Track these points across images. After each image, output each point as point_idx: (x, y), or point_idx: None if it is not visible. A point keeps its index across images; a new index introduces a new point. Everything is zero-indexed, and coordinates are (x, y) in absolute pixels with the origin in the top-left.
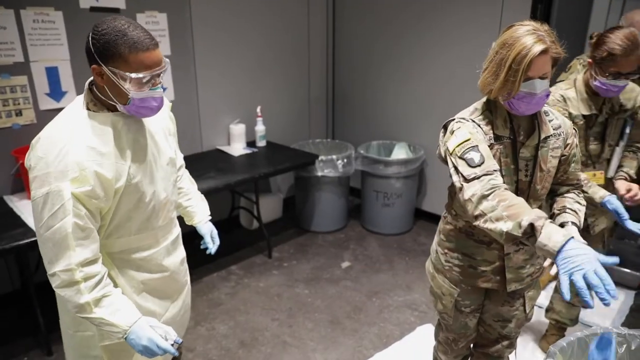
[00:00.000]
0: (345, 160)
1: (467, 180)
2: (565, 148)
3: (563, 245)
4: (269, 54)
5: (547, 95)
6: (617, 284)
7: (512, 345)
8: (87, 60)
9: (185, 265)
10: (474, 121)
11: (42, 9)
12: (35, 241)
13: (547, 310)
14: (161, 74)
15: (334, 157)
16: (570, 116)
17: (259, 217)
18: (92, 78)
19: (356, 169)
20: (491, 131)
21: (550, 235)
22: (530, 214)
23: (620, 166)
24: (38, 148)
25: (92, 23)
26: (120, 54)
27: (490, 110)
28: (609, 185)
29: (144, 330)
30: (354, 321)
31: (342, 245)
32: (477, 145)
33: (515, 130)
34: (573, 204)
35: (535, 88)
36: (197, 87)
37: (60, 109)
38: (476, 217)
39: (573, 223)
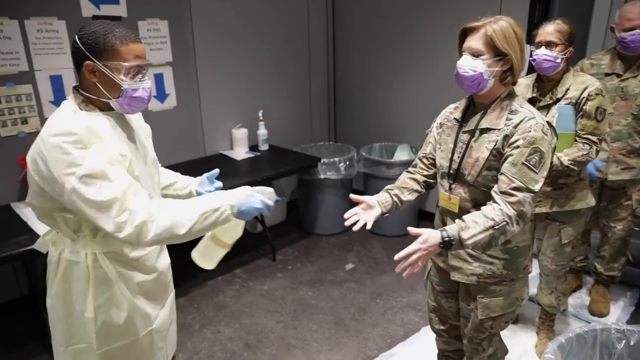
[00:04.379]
0: (347, 162)
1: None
2: (506, 146)
3: None
4: (269, 58)
5: (475, 77)
6: (623, 282)
7: (476, 352)
8: (76, 63)
9: (170, 271)
10: (450, 105)
11: (46, 19)
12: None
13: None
14: (147, 68)
15: (337, 159)
16: None
17: (263, 221)
18: (75, 84)
19: (359, 171)
20: (451, 113)
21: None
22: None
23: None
24: (51, 146)
25: None
26: (112, 46)
27: (468, 98)
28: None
29: (251, 198)
30: (358, 322)
31: (346, 248)
32: (427, 134)
33: (468, 116)
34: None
35: (459, 62)
36: (199, 92)
37: None
38: None
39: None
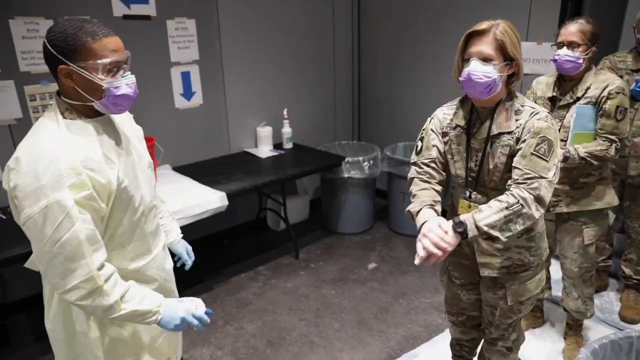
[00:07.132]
0: (371, 161)
1: (411, 163)
2: (517, 144)
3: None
4: (295, 57)
5: (488, 83)
6: None
7: (502, 337)
8: (50, 69)
9: (173, 274)
10: (442, 109)
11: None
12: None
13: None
14: (128, 61)
15: (360, 158)
16: (535, 96)
17: (286, 219)
18: (56, 90)
19: (382, 170)
20: (451, 119)
21: (419, 219)
22: (416, 203)
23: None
24: (22, 165)
25: (125, 31)
26: (84, 44)
27: (463, 101)
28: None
29: (176, 306)
30: (381, 322)
31: (369, 247)
32: (423, 137)
33: (473, 122)
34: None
35: (469, 68)
36: (224, 90)
37: None
38: None
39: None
